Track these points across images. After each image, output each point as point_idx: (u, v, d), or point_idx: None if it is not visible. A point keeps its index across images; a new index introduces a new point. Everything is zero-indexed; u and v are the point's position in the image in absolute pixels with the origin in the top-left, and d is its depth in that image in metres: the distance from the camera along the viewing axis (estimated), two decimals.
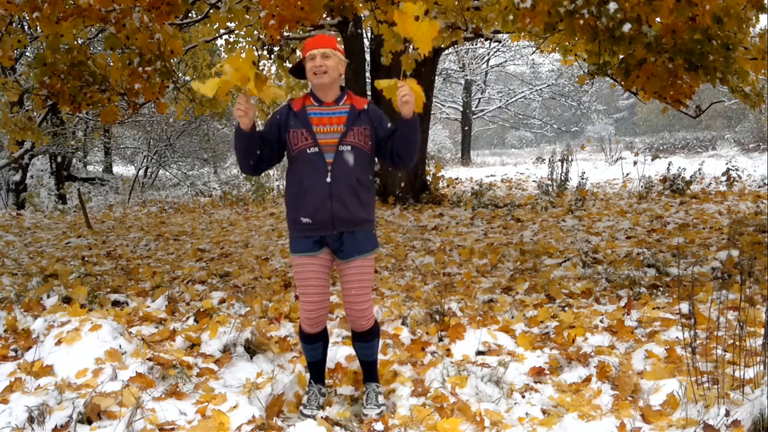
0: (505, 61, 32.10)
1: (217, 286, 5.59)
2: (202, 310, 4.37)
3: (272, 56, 9.47)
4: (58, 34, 5.37)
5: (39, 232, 10.44)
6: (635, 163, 15.76)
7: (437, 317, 4.04)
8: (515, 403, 2.98)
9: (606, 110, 45.45)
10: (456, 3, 6.32)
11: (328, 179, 2.77)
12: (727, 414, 2.47)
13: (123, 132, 22.62)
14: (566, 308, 4.34)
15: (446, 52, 21.25)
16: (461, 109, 32.94)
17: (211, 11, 7.36)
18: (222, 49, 12.98)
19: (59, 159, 18.30)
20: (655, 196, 11.46)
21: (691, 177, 12.43)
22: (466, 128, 32.66)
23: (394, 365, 3.42)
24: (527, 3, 4.64)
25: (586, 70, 5.66)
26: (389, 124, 2.90)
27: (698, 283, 4.73)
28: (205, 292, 5.26)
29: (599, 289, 4.84)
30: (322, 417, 2.90)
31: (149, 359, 3.26)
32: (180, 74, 9.18)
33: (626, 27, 4.43)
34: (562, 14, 4.60)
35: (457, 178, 17.81)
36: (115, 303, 4.86)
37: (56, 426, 2.68)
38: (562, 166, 13.34)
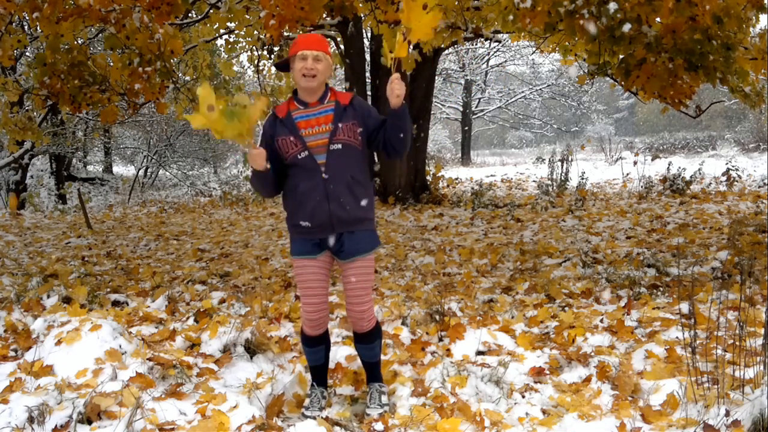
0: (505, 61, 32.10)
1: (217, 286, 5.59)
2: (202, 310, 4.37)
3: (272, 56, 9.47)
4: (58, 34, 5.38)
5: (39, 232, 10.44)
6: (635, 163, 15.77)
7: (437, 317, 4.04)
8: (515, 403, 2.98)
9: (606, 110, 45.44)
10: (456, 3, 6.32)
11: (323, 180, 2.75)
12: (727, 414, 2.47)
13: (123, 132, 22.64)
14: (566, 308, 4.34)
15: (446, 52, 21.24)
16: (461, 109, 32.95)
17: (211, 11, 7.36)
18: (222, 49, 13.00)
19: (64, 160, 18.28)
20: (655, 196, 11.46)
21: (691, 177, 12.43)
22: (466, 128, 32.67)
23: (394, 365, 3.42)
24: (527, 3, 4.64)
25: (586, 70, 5.66)
26: (374, 113, 2.88)
27: (698, 283, 4.73)
28: (205, 292, 5.26)
29: (599, 289, 4.84)
30: (322, 417, 2.90)
31: (149, 359, 3.26)
32: (180, 74, 9.17)
33: (626, 27, 4.43)
34: (562, 14, 4.60)
35: (457, 178, 17.82)
36: (115, 303, 4.86)
37: (56, 426, 2.68)
38: (562, 166, 13.34)
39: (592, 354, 3.41)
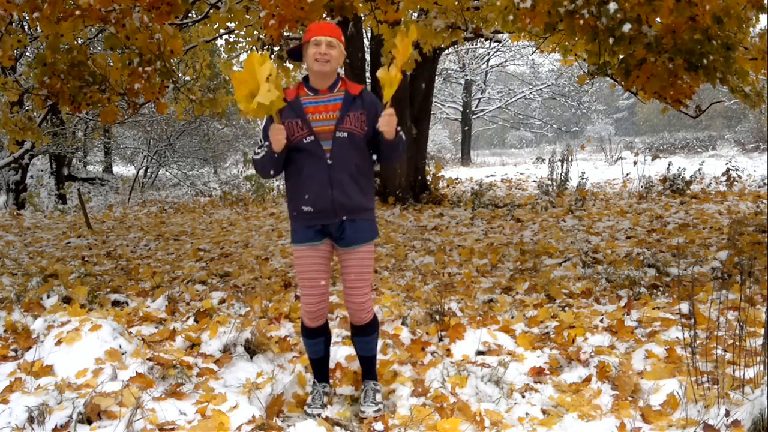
0: (505, 61, 32.10)
1: (217, 286, 5.59)
2: (202, 310, 4.37)
3: (272, 56, 9.47)
4: (58, 34, 5.37)
5: (39, 232, 10.44)
6: (635, 163, 15.77)
7: (437, 317, 4.04)
8: (515, 403, 2.98)
9: (606, 110, 45.43)
10: (456, 3, 6.32)
11: (328, 167, 2.77)
12: (727, 414, 2.47)
13: (123, 132, 22.64)
14: (566, 308, 4.34)
15: (446, 52, 21.24)
16: (461, 109, 32.95)
17: (211, 11, 7.36)
18: (222, 49, 12.99)
19: (64, 160, 18.29)
20: (655, 196, 11.46)
21: (691, 177, 12.43)
22: (466, 128, 32.66)
23: (394, 365, 3.41)
24: (527, 3, 4.64)
25: (586, 70, 5.66)
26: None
27: (698, 283, 4.73)
28: (205, 292, 5.26)
29: (599, 289, 4.84)
30: (322, 417, 2.90)
31: (149, 359, 3.26)
32: (180, 74, 9.17)
33: (626, 27, 4.43)
34: (562, 14, 4.60)
35: (457, 178, 17.82)
36: (115, 303, 4.86)
37: (56, 426, 2.68)
38: (562, 166, 13.34)
39: (592, 354, 3.41)
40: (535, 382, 3.18)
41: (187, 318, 4.31)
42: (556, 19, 4.66)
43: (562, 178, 13.13)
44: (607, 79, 5.49)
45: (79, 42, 7.37)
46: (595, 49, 4.82)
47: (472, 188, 12.75)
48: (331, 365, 3.37)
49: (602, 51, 4.81)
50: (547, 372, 3.28)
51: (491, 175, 20.16)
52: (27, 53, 14.73)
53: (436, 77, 18.92)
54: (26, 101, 10.96)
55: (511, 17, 5.28)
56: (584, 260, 5.81)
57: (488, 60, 31.40)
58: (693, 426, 2.52)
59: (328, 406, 3.03)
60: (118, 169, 27.44)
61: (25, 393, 2.92)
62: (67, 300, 4.72)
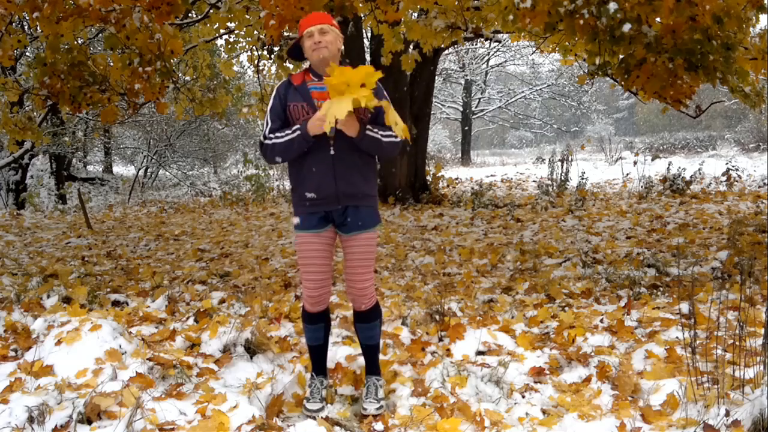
0: (505, 61, 32.12)
1: (217, 286, 5.59)
2: (202, 310, 4.37)
3: (272, 56, 9.47)
4: (58, 34, 5.37)
5: (39, 232, 10.44)
6: (635, 163, 15.77)
7: (437, 317, 4.04)
8: (515, 403, 2.98)
9: (606, 110, 45.43)
10: (456, 3, 6.32)
11: (331, 153, 2.79)
12: (727, 414, 2.47)
13: (123, 132, 22.64)
14: (566, 308, 4.34)
15: (446, 52, 21.24)
16: (461, 109, 32.95)
17: (211, 11, 7.36)
18: (222, 49, 13.00)
19: (64, 160, 18.28)
20: (655, 196, 11.46)
21: (691, 177, 12.43)
22: (466, 128, 32.67)
23: (394, 365, 3.42)
24: (527, 3, 4.64)
25: (586, 70, 5.65)
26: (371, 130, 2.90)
27: (698, 283, 4.73)
28: (205, 292, 5.26)
29: (599, 289, 4.84)
30: (322, 417, 2.90)
31: (149, 359, 3.26)
32: (180, 74, 9.17)
33: (626, 27, 4.42)
34: (562, 14, 4.60)
35: (457, 178, 17.83)
36: (115, 303, 4.86)
37: (56, 426, 2.68)
38: (562, 166, 13.34)
39: (592, 354, 3.41)
40: (535, 382, 3.18)
41: (187, 318, 4.31)
42: (556, 19, 4.66)
43: (562, 178, 13.13)
44: (607, 79, 5.48)
45: (79, 42, 7.37)
46: (595, 49, 4.81)
47: (472, 188, 12.75)
48: (331, 365, 3.37)
49: (602, 51, 4.81)
50: (547, 372, 3.28)
51: (491, 175, 20.16)
52: (27, 53, 14.73)
53: (436, 77, 18.92)
54: (26, 101, 10.96)
55: (511, 17, 5.28)
56: (584, 260, 5.81)
57: (488, 60, 31.41)
58: (693, 426, 2.52)
59: (327, 404, 3.03)
60: (118, 169, 27.44)
61: (25, 393, 2.92)
62: (67, 300, 4.72)
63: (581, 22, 4.51)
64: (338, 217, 2.87)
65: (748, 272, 4.61)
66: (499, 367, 3.25)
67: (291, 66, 8.92)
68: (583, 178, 12.25)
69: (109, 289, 5.42)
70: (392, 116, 2.68)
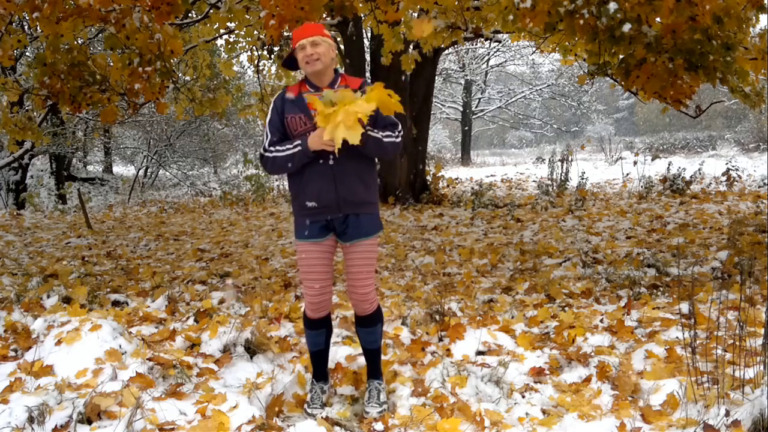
0: (505, 61, 32.12)
1: (217, 286, 5.59)
2: (202, 310, 4.37)
3: (272, 56, 9.47)
4: (58, 34, 5.37)
5: (39, 232, 10.44)
6: (635, 163, 15.77)
7: (437, 317, 4.04)
8: (515, 403, 2.98)
9: (606, 110, 45.44)
10: (456, 3, 6.32)
11: (331, 162, 2.79)
12: (727, 414, 2.47)
13: (123, 132, 22.64)
14: (566, 308, 4.34)
15: (446, 52, 21.25)
16: (461, 109, 32.95)
17: (211, 11, 7.36)
18: (222, 49, 13.00)
19: (64, 160, 18.28)
20: (655, 196, 11.46)
21: (691, 177, 12.43)
22: (466, 128, 32.67)
23: (394, 365, 3.41)
24: (527, 3, 4.64)
25: (586, 70, 5.65)
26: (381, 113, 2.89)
27: (698, 283, 4.73)
28: (205, 292, 5.26)
29: (599, 289, 4.84)
30: (322, 417, 2.90)
31: (149, 359, 3.26)
32: (180, 74, 9.17)
33: (626, 27, 4.42)
34: (562, 14, 4.60)
35: (457, 178, 17.83)
36: (115, 303, 4.86)
37: (56, 426, 2.68)
38: (562, 166, 13.34)
39: (592, 354, 3.41)
40: (535, 382, 3.18)
41: (187, 318, 4.31)
42: (556, 19, 4.66)
43: (562, 178, 13.13)
44: (607, 79, 5.48)
45: (79, 42, 7.37)
46: (595, 49, 4.81)
47: (472, 188, 12.75)
48: (331, 365, 3.37)
49: (602, 51, 4.81)
50: (547, 372, 3.28)
51: (491, 175, 20.16)
52: (27, 53, 14.73)
53: (436, 77, 18.92)
54: (26, 101, 10.96)
55: (511, 17, 5.28)
56: (584, 260, 5.81)
57: (488, 60, 31.41)
58: (693, 426, 2.52)
59: (327, 406, 3.03)
60: (118, 169, 27.45)
61: (25, 393, 2.92)
62: (67, 300, 4.72)
63: (581, 22, 4.51)
64: (339, 226, 2.87)
65: (748, 272, 4.61)
66: (499, 367, 3.25)
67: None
68: (583, 178, 12.25)
69: (109, 289, 5.41)
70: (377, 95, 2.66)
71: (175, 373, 3.20)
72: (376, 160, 2.97)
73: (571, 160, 14.26)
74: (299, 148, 2.77)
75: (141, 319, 4.28)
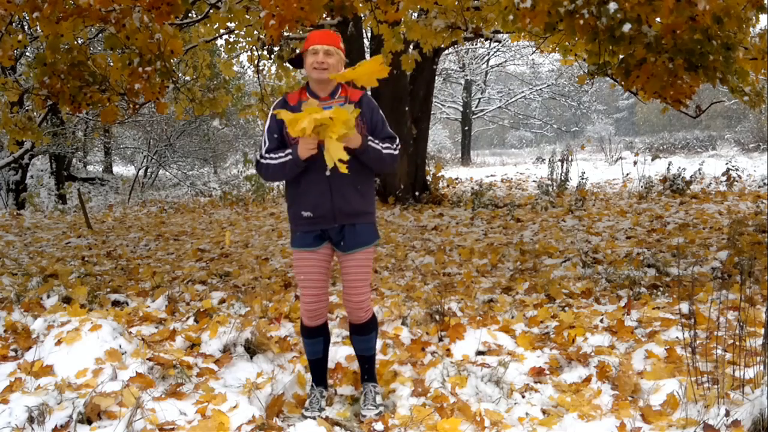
0: (505, 61, 32.12)
1: (217, 286, 5.59)
2: (202, 310, 4.37)
3: (272, 56, 9.47)
4: (58, 34, 5.37)
5: (39, 232, 10.44)
6: (635, 163, 15.78)
7: (437, 317, 4.04)
8: (515, 403, 2.98)
9: (606, 110, 45.45)
10: (456, 3, 6.32)
11: (328, 173, 2.78)
12: (727, 414, 2.47)
13: (123, 132, 22.64)
14: (566, 308, 4.34)
15: (446, 52, 21.24)
16: (461, 109, 32.95)
17: (211, 11, 7.35)
18: (222, 49, 12.99)
19: (64, 160, 18.28)
20: (655, 196, 11.46)
21: (691, 177, 12.43)
22: (466, 128, 32.67)
23: (394, 365, 3.42)
24: (527, 3, 4.64)
25: (586, 70, 5.65)
26: (380, 121, 2.89)
27: (698, 283, 4.73)
28: (205, 292, 5.26)
29: (599, 289, 4.84)
30: (322, 417, 2.90)
31: (149, 359, 3.26)
32: (180, 74, 9.17)
33: (626, 27, 4.42)
34: (562, 14, 4.60)
35: (457, 178, 17.83)
36: (115, 303, 4.86)
37: (56, 426, 2.68)
38: (562, 166, 13.34)
39: (592, 354, 3.41)
40: (535, 382, 3.18)
41: (187, 318, 4.31)
42: (556, 19, 4.65)
43: (562, 178, 13.13)
44: (607, 79, 5.48)
45: (79, 42, 7.36)
46: (595, 49, 4.81)
47: (472, 188, 12.75)
48: (331, 365, 3.37)
49: (602, 51, 4.81)
50: (547, 372, 3.28)
51: (491, 175, 20.16)
52: (27, 53, 14.73)
53: (436, 77, 18.91)
54: (26, 101, 10.96)
55: (511, 17, 5.28)
56: (584, 260, 5.81)
57: (488, 60, 31.41)
58: (693, 426, 2.52)
59: (326, 408, 3.03)
60: (118, 169, 27.44)
61: (25, 393, 2.92)
62: (67, 300, 4.72)
63: (581, 22, 4.51)
64: (335, 236, 2.87)
65: (748, 272, 4.61)
66: (499, 367, 3.25)
67: (290, 66, 8.92)
68: (583, 178, 12.25)
69: (109, 289, 5.41)
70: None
71: (175, 373, 3.20)
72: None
73: (571, 160, 14.26)
74: (290, 156, 2.77)
75: (141, 319, 4.28)
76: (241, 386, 3.16)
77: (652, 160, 17.44)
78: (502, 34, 10.40)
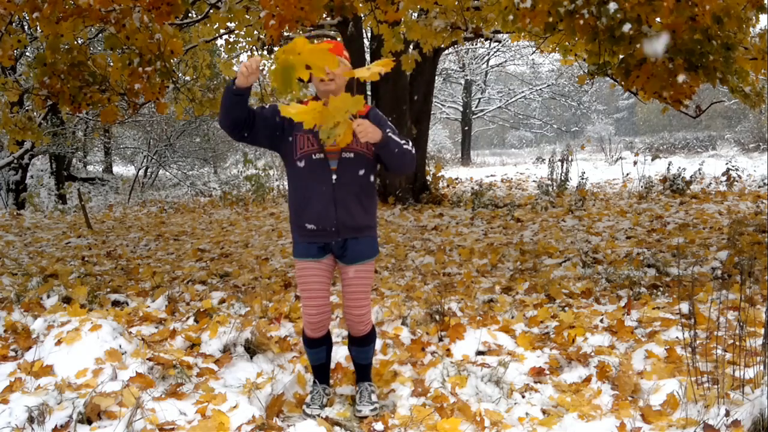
0: (505, 61, 32.13)
1: (217, 286, 5.59)
2: (202, 310, 4.37)
3: (272, 56, 9.46)
4: (58, 34, 5.37)
5: (39, 232, 10.44)
6: (635, 163, 15.77)
7: (437, 317, 4.04)
8: (515, 403, 2.98)
9: (606, 110, 45.46)
10: (456, 3, 6.32)
11: (333, 186, 2.78)
12: (727, 414, 2.47)
13: (123, 132, 22.64)
14: (566, 308, 4.34)
15: (446, 52, 21.24)
16: (461, 109, 32.96)
17: (211, 11, 7.35)
18: (222, 49, 12.98)
19: (64, 160, 18.28)
20: (655, 196, 11.46)
21: (691, 177, 12.43)
22: (466, 128, 32.68)
23: (394, 365, 3.42)
24: (527, 3, 4.64)
25: (586, 70, 5.65)
26: (391, 130, 2.88)
27: (698, 283, 4.73)
28: (205, 292, 5.26)
29: (599, 289, 4.84)
30: (322, 417, 2.90)
31: (149, 359, 3.26)
32: (180, 74, 9.17)
33: (626, 27, 4.42)
34: (562, 14, 4.60)
35: (457, 178, 17.83)
36: (115, 303, 4.86)
37: (56, 426, 2.68)
38: (562, 166, 13.34)
39: (592, 354, 3.41)
40: (535, 382, 3.18)
41: (187, 318, 4.31)
42: (556, 19, 4.65)
43: (562, 178, 13.13)
44: (607, 79, 5.48)
45: (79, 42, 7.36)
46: (595, 49, 4.81)
47: (472, 188, 12.75)
48: (332, 365, 3.37)
49: (602, 51, 4.81)
50: (547, 372, 3.28)
51: (491, 175, 20.16)
52: (27, 53, 14.73)
53: (436, 77, 18.92)
54: (26, 101, 10.96)
55: (511, 17, 5.28)
56: (584, 260, 5.81)
57: (488, 60, 31.43)
58: (693, 426, 2.52)
59: (327, 407, 3.04)
60: (118, 169, 27.45)
61: (25, 393, 2.92)
62: (67, 300, 4.72)
63: (581, 22, 4.51)
64: (338, 249, 2.88)
65: (748, 272, 4.61)
66: (499, 367, 3.25)
67: None
68: (583, 178, 12.25)
69: (109, 289, 5.41)
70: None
71: (175, 373, 3.20)
72: (374, 178, 2.94)
73: (571, 160, 14.26)
74: (227, 85, 2.69)
75: (141, 319, 4.28)
76: (241, 386, 3.16)
77: (652, 160, 17.44)
78: (502, 34, 10.40)
